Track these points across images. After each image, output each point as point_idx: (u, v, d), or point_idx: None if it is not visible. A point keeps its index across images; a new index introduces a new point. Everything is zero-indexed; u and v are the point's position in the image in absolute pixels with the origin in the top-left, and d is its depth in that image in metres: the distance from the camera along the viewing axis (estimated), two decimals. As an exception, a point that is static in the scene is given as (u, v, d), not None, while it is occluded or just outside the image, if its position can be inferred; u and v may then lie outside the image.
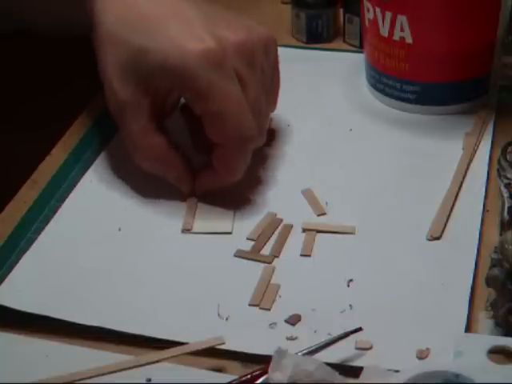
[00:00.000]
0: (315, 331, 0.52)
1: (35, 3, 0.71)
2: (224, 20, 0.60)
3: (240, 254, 0.58)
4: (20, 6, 0.72)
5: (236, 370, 0.50)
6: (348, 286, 0.55)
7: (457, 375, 0.45)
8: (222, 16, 0.61)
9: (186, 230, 0.60)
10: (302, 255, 0.58)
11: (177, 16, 0.59)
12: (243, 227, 0.60)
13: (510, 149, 0.59)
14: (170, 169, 0.62)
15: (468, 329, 0.52)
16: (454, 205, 0.61)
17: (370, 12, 0.71)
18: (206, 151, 0.62)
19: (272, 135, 0.70)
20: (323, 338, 0.50)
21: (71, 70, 0.78)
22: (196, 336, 0.51)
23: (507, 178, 0.58)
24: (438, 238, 0.59)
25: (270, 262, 0.57)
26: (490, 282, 0.51)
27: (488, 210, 0.61)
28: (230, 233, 0.60)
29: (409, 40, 0.69)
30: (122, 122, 0.60)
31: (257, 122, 0.60)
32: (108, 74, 0.59)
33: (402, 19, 0.68)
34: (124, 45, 0.58)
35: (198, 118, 0.59)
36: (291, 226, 0.60)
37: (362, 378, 0.47)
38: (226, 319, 0.53)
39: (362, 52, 0.76)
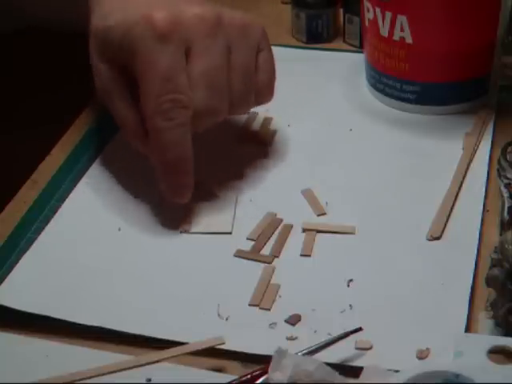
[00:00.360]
0: (315, 331, 0.52)
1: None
2: (192, 2, 0.59)
3: (240, 254, 0.58)
4: (20, 3, 0.72)
5: (236, 370, 0.50)
6: (348, 286, 0.55)
7: (457, 375, 0.45)
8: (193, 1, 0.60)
9: (184, 231, 0.60)
10: (301, 255, 0.58)
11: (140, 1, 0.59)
12: (243, 227, 0.60)
13: (510, 149, 0.59)
14: (134, 139, 0.61)
15: (468, 329, 0.52)
16: (454, 205, 0.61)
17: (369, 12, 0.71)
18: None
19: (272, 135, 0.70)
20: (323, 338, 0.50)
21: (72, 68, 0.78)
22: (196, 336, 0.51)
23: (507, 178, 0.58)
24: (438, 238, 0.59)
25: (269, 262, 0.57)
26: (490, 282, 0.51)
27: (488, 210, 0.61)
28: (229, 233, 0.60)
29: (409, 40, 0.69)
30: (109, 105, 0.60)
31: (207, 95, 0.58)
32: (93, 63, 0.60)
33: (401, 19, 0.68)
34: (98, 31, 0.59)
35: None
36: (291, 226, 0.60)
37: (362, 378, 0.47)
38: (226, 319, 0.53)
39: (362, 52, 0.76)
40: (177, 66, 0.57)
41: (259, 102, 0.63)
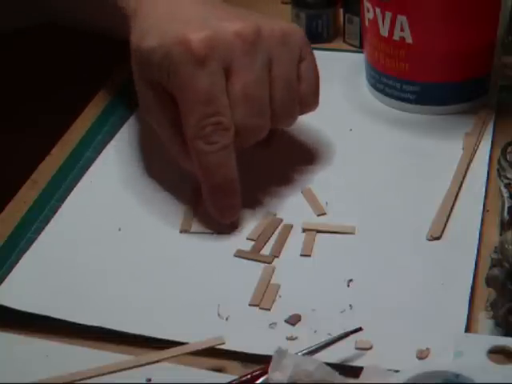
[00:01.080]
0: (315, 331, 0.52)
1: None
2: (227, 13, 0.59)
3: (240, 254, 0.58)
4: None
5: (236, 370, 0.50)
6: (348, 286, 0.55)
7: (457, 375, 0.45)
8: (229, 11, 0.60)
9: (184, 231, 0.60)
10: (301, 255, 0.58)
11: (176, 16, 0.59)
12: (243, 227, 0.60)
13: (510, 149, 0.59)
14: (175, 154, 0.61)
15: (468, 329, 0.52)
16: (454, 205, 0.61)
17: (370, 12, 0.71)
18: None
19: (272, 135, 0.70)
20: (323, 338, 0.50)
21: (72, 68, 0.78)
22: (196, 336, 0.51)
23: (507, 178, 0.58)
24: (438, 238, 0.59)
25: (269, 262, 0.57)
26: (489, 282, 0.51)
27: (488, 210, 0.61)
28: (228, 233, 0.60)
29: (409, 40, 0.69)
30: (151, 120, 0.61)
31: (247, 113, 0.57)
32: (134, 77, 0.61)
33: (401, 19, 0.68)
34: (137, 50, 0.59)
35: None
36: (291, 226, 0.60)
37: (362, 378, 0.47)
38: (226, 319, 0.53)
39: (362, 52, 0.76)
40: (216, 89, 0.56)
41: (304, 112, 0.63)
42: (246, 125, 0.58)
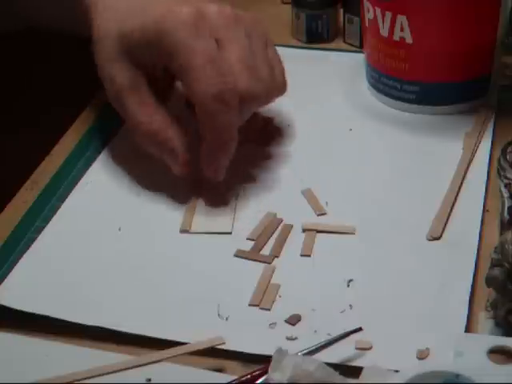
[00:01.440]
0: (315, 331, 0.52)
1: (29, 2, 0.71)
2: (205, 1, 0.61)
3: (240, 254, 0.58)
4: (23, 4, 0.72)
5: (236, 370, 0.50)
6: (348, 286, 0.55)
7: (457, 375, 0.45)
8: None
9: (184, 231, 0.60)
10: (302, 255, 0.58)
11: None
12: (243, 227, 0.60)
13: (510, 149, 0.59)
14: (167, 146, 0.61)
15: (468, 329, 0.52)
16: (453, 205, 0.61)
17: (370, 12, 0.71)
18: None
19: (272, 135, 0.70)
20: (323, 338, 0.50)
21: (72, 69, 0.78)
22: (196, 336, 0.51)
23: (507, 178, 0.58)
24: (437, 238, 0.59)
25: (269, 262, 0.57)
26: (489, 282, 0.51)
27: (488, 210, 0.61)
28: (229, 233, 0.60)
29: (409, 40, 0.69)
30: (123, 105, 0.61)
31: (247, 80, 0.59)
32: (106, 66, 0.61)
33: (401, 19, 0.68)
34: (115, 34, 0.60)
35: None
36: (291, 226, 0.60)
37: (362, 378, 0.47)
38: (226, 319, 0.53)
39: (362, 52, 0.76)
40: (216, 53, 0.58)
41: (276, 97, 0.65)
42: (246, 91, 0.59)
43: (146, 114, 0.61)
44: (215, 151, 0.60)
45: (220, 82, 0.58)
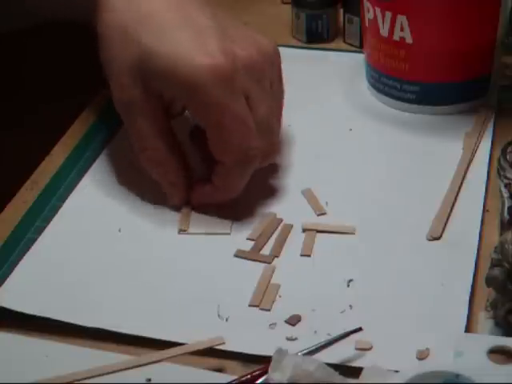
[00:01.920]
0: (315, 331, 0.52)
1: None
2: (234, 31, 0.59)
3: (240, 254, 0.58)
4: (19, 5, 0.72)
5: (236, 370, 0.50)
6: (348, 285, 0.55)
7: (457, 375, 0.45)
8: (233, 27, 0.60)
9: (182, 231, 0.60)
10: (302, 255, 0.58)
11: (188, 22, 0.57)
12: (243, 227, 0.60)
13: (510, 149, 0.59)
14: (169, 174, 0.61)
15: (468, 329, 0.52)
16: (453, 205, 0.61)
17: (369, 12, 0.71)
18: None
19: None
20: (323, 338, 0.50)
21: (72, 69, 0.78)
22: (196, 336, 0.51)
23: (507, 178, 0.58)
24: (437, 238, 0.59)
25: (269, 262, 0.57)
26: (489, 282, 0.51)
27: (488, 210, 0.61)
28: (228, 234, 0.60)
29: (409, 40, 0.69)
30: (129, 120, 0.60)
31: (267, 140, 0.59)
32: (115, 68, 0.58)
33: (401, 19, 0.68)
34: (132, 41, 0.57)
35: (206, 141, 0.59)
36: (291, 226, 0.60)
37: (362, 378, 0.47)
38: (226, 319, 0.53)
39: (362, 52, 0.76)
40: (247, 113, 0.57)
41: None
42: (266, 151, 0.60)
43: (155, 138, 0.59)
44: (220, 198, 0.61)
45: (247, 149, 0.57)
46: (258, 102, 0.58)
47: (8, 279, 0.56)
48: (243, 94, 0.57)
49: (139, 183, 0.65)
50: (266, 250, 0.59)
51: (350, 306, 0.54)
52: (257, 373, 0.48)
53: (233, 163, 0.58)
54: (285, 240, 0.59)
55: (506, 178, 0.58)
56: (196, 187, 0.61)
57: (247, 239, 0.59)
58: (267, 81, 0.60)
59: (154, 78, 0.57)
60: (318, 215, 0.61)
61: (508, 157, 0.59)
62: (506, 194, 0.57)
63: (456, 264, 0.56)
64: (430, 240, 0.59)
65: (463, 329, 0.51)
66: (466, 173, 0.64)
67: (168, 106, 0.61)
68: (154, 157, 0.60)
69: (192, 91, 0.56)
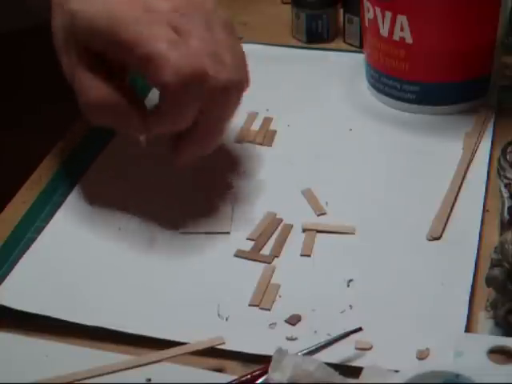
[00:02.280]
0: (315, 331, 0.52)
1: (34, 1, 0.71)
2: None
3: (240, 254, 0.58)
4: (19, 6, 0.72)
5: (236, 370, 0.50)
6: (348, 285, 0.55)
7: (457, 375, 0.45)
8: None
9: (184, 232, 0.60)
10: (302, 255, 0.58)
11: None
12: (243, 227, 0.60)
13: (510, 149, 0.59)
14: (119, 115, 0.58)
15: (468, 329, 0.52)
16: (453, 205, 0.61)
17: (369, 12, 0.71)
18: None
19: (272, 135, 0.70)
20: (323, 338, 0.50)
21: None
22: (196, 336, 0.51)
23: (507, 178, 0.58)
24: (437, 238, 0.59)
25: (269, 262, 0.57)
26: (489, 282, 0.51)
27: (488, 210, 0.61)
28: (228, 233, 0.60)
29: (409, 40, 0.69)
30: (74, 80, 0.59)
31: (220, 67, 0.56)
32: (57, 40, 0.60)
33: (401, 19, 0.68)
34: (62, 9, 0.58)
35: None
36: (291, 226, 0.60)
37: (362, 378, 0.47)
38: (226, 319, 0.53)
39: (362, 52, 0.76)
40: (177, 38, 0.55)
41: None
42: (216, 78, 0.56)
43: (97, 87, 0.58)
44: (187, 142, 0.58)
45: (187, 66, 0.54)
46: (188, 30, 0.56)
47: (8, 278, 0.56)
48: (169, 26, 0.56)
49: (139, 183, 0.65)
50: (266, 250, 0.59)
51: (350, 306, 0.54)
52: (257, 373, 0.48)
53: (178, 87, 0.54)
54: (285, 240, 0.59)
55: (506, 177, 0.58)
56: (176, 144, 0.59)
57: (247, 239, 0.59)
58: (199, 15, 0.57)
59: (80, 33, 0.57)
60: (318, 215, 0.61)
61: (508, 157, 0.59)
62: (506, 194, 0.57)
63: (456, 264, 0.56)
64: (429, 240, 0.59)
65: (463, 329, 0.51)
66: (466, 173, 0.64)
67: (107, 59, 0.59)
68: (99, 102, 0.58)
69: (111, 35, 0.55)
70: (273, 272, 0.57)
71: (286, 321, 0.53)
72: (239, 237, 0.60)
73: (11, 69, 0.79)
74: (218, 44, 0.57)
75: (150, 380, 0.49)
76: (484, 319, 0.52)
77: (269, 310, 0.54)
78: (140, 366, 0.50)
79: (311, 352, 0.49)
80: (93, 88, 0.58)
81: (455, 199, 0.62)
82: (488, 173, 0.64)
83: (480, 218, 0.60)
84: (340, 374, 0.46)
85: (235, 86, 0.58)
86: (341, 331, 0.50)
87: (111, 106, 0.58)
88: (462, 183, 0.63)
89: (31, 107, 0.78)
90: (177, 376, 0.49)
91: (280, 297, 0.55)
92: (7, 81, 0.77)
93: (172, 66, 0.54)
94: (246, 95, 0.59)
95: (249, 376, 0.48)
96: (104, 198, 0.64)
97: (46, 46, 0.73)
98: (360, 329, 0.50)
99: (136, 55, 0.55)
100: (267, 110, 0.72)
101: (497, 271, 0.50)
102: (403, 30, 0.68)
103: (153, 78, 0.55)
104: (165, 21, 0.56)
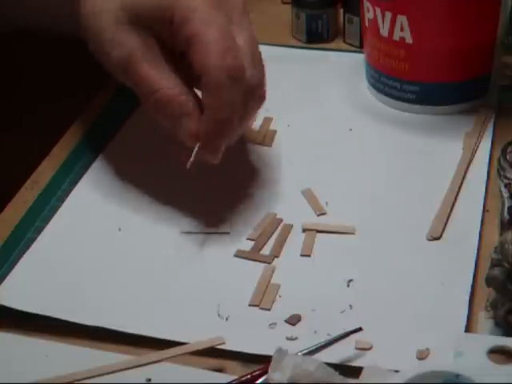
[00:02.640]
0: (315, 331, 0.52)
1: (33, 2, 0.71)
2: None
3: (240, 254, 0.58)
4: (18, 6, 0.72)
5: (236, 370, 0.50)
6: (348, 285, 0.55)
7: (457, 375, 0.45)
8: None
9: (184, 231, 0.60)
10: (302, 255, 0.58)
11: None
12: (243, 227, 0.60)
13: (510, 149, 0.59)
14: (182, 107, 0.58)
15: (468, 329, 0.52)
16: (453, 205, 0.61)
17: (369, 12, 0.71)
18: None
19: (272, 135, 0.70)
20: (323, 338, 0.50)
21: (72, 71, 0.78)
22: (196, 336, 0.51)
23: (507, 178, 0.58)
24: (437, 238, 0.59)
25: (269, 262, 0.57)
26: (489, 282, 0.51)
27: (488, 210, 0.61)
28: (228, 233, 0.60)
29: (409, 40, 0.69)
30: (132, 71, 0.58)
31: (255, 68, 0.58)
32: (104, 25, 0.59)
33: (401, 19, 0.68)
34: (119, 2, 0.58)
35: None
36: (291, 226, 0.60)
37: (362, 378, 0.47)
38: (226, 319, 0.53)
39: (362, 52, 0.76)
40: (229, 31, 0.57)
41: None
42: (252, 76, 0.58)
43: (164, 78, 0.58)
44: (217, 128, 0.57)
45: (232, 57, 0.56)
46: (241, 26, 0.59)
47: (8, 277, 0.56)
48: (228, 16, 0.58)
49: (139, 183, 0.65)
50: (266, 250, 0.59)
51: (350, 306, 0.54)
52: (257, 373, 0.48)
53: (215, 69, 0.56)
54: (285, 240, 0.59)
55: (506, 177, 0.58)
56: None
57: (247, 239, 0.59)
58: (248, 16, 0.60)
59: (142, 18, 0.58)
60: (318, 215, 0.61)
61: (508, 157, 0.59)
62: (506, 194, 0.57)
63: (456, 264, 0.56)
64: (430, 240, 0.59)
65: (463, 329, 0.51)
66: (466, 173, 0.64)
67: (166, 43, 0.60)
68: (165, 96, 0.58)
69: (169, 9, 0.56)
70: (273, 272, 0.57)
71: (286, 321, 0.53)
72: (239, 237, 0.60)
73: (11, 69, 0.79)
74: (254, 47, 0.59)
75: (150, 380, 0.49)
76: (484, 319, 0.52)
77: (269, 310, 0.54)
78: (140, 365, 0.50)
79: (311, 352, 0.49)
80: (163, 80, 0.58)
81: (455, 199, 0.62)
82: (488, 173, 0.64)
83: (480, 218, 0.60)
84: (340, 373, 0.46)
85: (262, 92, 0.60)
86: (341, 331, 0.50)
87: (180, 105, 0.58)
88: (462, 183, 0.63)
89: (31, 107, 0.78)
90: (177, 376, 0.49)
91: (280, 297, 0.55)
92: (7, 81, 0.77)
93: (219, 53, 0.56)
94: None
95: (249, 376, 0.48)
96: (104, 198, 0.64)
97: (46, 46, 0.73)
98: (360, 329, 0.50)
99: (186, 33, 0.56)
100: (267, 109, 0.72)
101: (497, 271, 0.50)
102: (403, 30, 0.68)
103: (196, 61, 0.56)
104: (225, 10, 0.57)
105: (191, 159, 0.57)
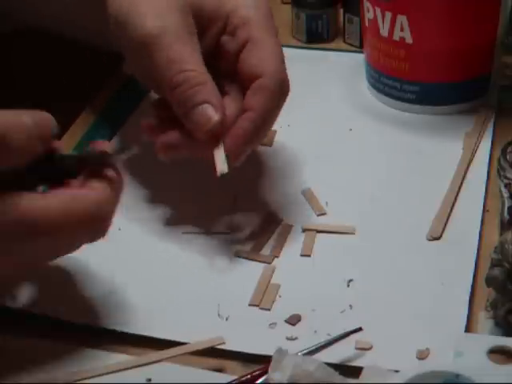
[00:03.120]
0: (315, 331, 0.52)
1: (35, 2, 0.71)
2: None
3: (240, 254, 0.58)
4: (20, 5, 0.72)
5: (236, 370, 0.50)
6: (348, 285, 0.55)
7: (457, 375, 0.45)
8: None
9: (184, 231, 0.60)
10: (302, 255, 0.58)
11: None
12: (243, 227, 0.60)
13: (510, 149, 0.59)
14: (208, 93, 0.57)
15: (468, 329, 0.52)
16: (453, 205, 0.61)
17: (369, 12, 0.71)
18: None
19: (272, 135, 0.70)
20: (323, 338, 0.50)
21: (71, 71, 0.78)
22: (196, 336, 0.51)
23: (507, 178, 0.58)
24: (437, 238, 0.59)
25: (269, 262, 0.57)
26: (489, 282, 0.51)
27: (488, 210, 0.61)
28: (228, 233, 0.60)
29: (409, 40, 0.69)
30: (166, 44, 0.56)
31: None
32: (140, 9, 0.57)
33: (401, 19, 0.68)
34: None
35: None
36: (291, 226, 0.60)
37: (362, 378, 0.47)
38: (226, 319, 0.53)
39: (362, 52, 0.76)
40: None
41: None
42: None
43: (198, 62, 0.57)
44: (255, 130, 0.57)
45: (284, 70, 0.59)
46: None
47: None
48: None
49: (139, 183, 0.65)
50: (266, 250, 0.59)
51: (350, 306, 0.54)
52: (257, 373, 0.48)
53: (275, 83, 0.58)
54: (285, 240, 0.59)
55: (506, 178, 0.58)
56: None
57: (247, 239, 0.59)
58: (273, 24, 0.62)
59: (204, 9, 0.59)
60: (318, 215, 0.61)
61: (508, 157, 0.59)
62: (506, 194, 0.58)
63: (456, 264, 0.56)
64: (430, 240, 0.59)
65: (463, 329, 0.51)
66: (466, 173, 0.64)
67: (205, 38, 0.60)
68: (193, 77, 0.56)
69: (236, 11, 0.59)
70: (273, 272, 0.57)
71: (286, 321, 0.53)
72: (239, 237, 0.60)
73: (11, 69, 0.79)
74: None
75: (150, 380, 0.49)
76: (484, 319, 0.52)
77: (269, 309, 0.54)
78: (140, 365, 0.50)
79: (311, 352, 0.49)
80: (197, 64, 0.57)
81: (455, 199, 0.62)
82: (488, 173, 0.64)
83: (480, 218, 0.60)
84: (340, 373, 0.46)
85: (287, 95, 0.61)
86: (341, 331, 0.50)
87: (200, 84, 0.57)
88: (462, 183, 0.63)
89: (30, 107, 0.78)
90: (177, 376, 0.49)
91: (280, 297, 0.55)
92: (7, 81, 0.77)
93: (279, 62, 0.59)
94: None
95: (249, 376, 0.48)
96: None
97: (46, 45, 0.73)
98: (360, 329, 0.50)
99: (252, 35, 0.59)
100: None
101: (497, 271, 0.50)
102: (403, 30, 0.68)
103: (256, 62, 0.58)
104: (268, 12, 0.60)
105: (219, 167, 0.56)
